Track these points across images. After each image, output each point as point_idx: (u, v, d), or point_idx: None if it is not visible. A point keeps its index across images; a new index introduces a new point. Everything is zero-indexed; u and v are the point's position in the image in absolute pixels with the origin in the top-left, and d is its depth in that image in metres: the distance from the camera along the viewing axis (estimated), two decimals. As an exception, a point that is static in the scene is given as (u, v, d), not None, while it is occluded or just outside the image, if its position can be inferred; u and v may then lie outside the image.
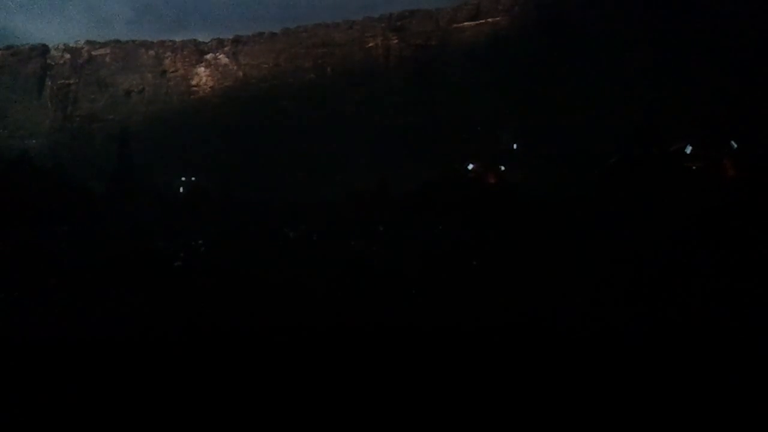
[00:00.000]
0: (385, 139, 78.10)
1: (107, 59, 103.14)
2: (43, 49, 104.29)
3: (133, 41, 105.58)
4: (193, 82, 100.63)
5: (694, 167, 44.68)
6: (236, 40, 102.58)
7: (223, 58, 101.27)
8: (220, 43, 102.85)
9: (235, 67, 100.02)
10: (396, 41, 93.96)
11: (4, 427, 10.65)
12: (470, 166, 58.52)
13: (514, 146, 70.82)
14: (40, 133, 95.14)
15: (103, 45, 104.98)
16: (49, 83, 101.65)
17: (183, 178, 75.60)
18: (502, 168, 59.36)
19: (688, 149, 47.26)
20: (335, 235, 39.83)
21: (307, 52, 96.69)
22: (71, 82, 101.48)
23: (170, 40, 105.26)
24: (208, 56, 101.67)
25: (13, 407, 11.38)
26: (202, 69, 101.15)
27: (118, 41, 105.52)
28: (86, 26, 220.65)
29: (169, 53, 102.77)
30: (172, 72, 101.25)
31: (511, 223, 34.32)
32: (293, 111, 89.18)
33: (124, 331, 17.11)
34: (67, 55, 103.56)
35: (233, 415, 11.14)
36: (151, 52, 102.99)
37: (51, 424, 10.95)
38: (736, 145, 47.74)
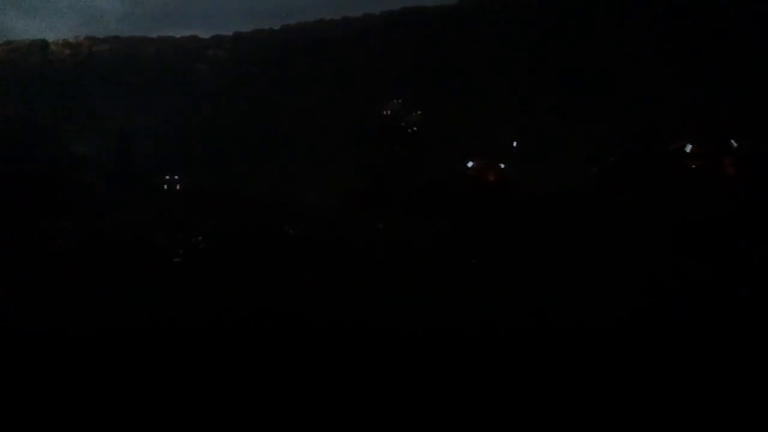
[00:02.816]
0: (386, 135, 77.93)
1: (107, 55, 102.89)
2: (43, 45, 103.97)
3: (133, 37, 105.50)
4: (193, 78, 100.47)
5: (694, 166, 44.75)
6: (236, 37, 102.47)
7: (223, 54, 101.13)
8: (220, 40, 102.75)
9: (235, 64, 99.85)
10: (396, 38, 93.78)
11: (4, 425, 10.63)
12: (470, 164, 58.47)
13: (515, 144, 70.74)
14: (40, 129, 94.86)
15: (103, 41, 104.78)
16: (49, 79, 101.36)
17: (182, 174, 75.44)
18: (502, 166, 59.34)
19: (688, 148, 47.29)
20: (335, 233, 39.80)
21: (308, 49, 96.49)
22: (71, 77, 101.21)
23: (170, 36, 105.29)
24: (208, 52, 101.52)
25: (13, 402, 11.36)
26: (202, 65, 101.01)
27: (117, 37, 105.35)
28: (76, 22, 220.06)
29: (169, 49, 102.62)
30: (173, 68, 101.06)
31: (510, 221, 34.32)
32: (293, 107, 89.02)
33: (123, 325, 17.10)
34: (67, 51, 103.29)
35: (231, 412, 11.12)
36: (152, 48, 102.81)
37: (50, 420, 10.93)
38: (735, 144, 47.78)
